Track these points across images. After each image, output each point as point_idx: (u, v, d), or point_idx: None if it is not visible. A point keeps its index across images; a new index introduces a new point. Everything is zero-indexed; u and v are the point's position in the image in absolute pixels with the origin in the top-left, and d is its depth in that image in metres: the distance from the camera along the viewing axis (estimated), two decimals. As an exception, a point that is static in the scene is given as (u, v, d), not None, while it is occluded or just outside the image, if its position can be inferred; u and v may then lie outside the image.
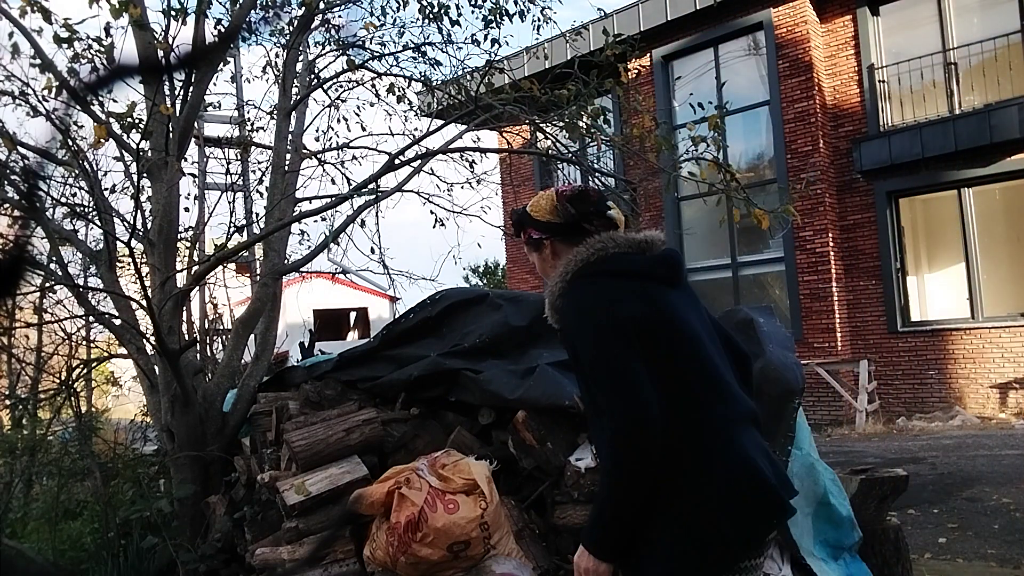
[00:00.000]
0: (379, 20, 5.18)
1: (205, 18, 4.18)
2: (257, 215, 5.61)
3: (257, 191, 5.93)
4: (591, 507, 1.72)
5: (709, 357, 1.64)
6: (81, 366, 4.81)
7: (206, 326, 5.64)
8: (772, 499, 1.54)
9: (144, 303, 3.49)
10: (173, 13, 4.06)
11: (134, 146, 3.94)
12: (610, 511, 1.53)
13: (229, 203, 5.46)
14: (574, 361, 1.71)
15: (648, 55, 11.56)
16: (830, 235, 10.33)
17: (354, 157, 5.85)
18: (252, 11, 4.24)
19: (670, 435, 1.51)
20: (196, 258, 4.99)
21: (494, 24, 5.03)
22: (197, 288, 5.13)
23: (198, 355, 4.97)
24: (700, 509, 1.51)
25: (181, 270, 4.43)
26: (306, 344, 5.70)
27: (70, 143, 3.83)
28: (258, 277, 5.10)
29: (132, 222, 3.54)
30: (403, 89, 5.55)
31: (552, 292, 1.73)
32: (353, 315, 25.86)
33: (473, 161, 5.64)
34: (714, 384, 1.61)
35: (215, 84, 4.99)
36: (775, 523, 1.59)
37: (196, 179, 5.77)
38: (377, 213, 5.35)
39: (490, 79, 5.03)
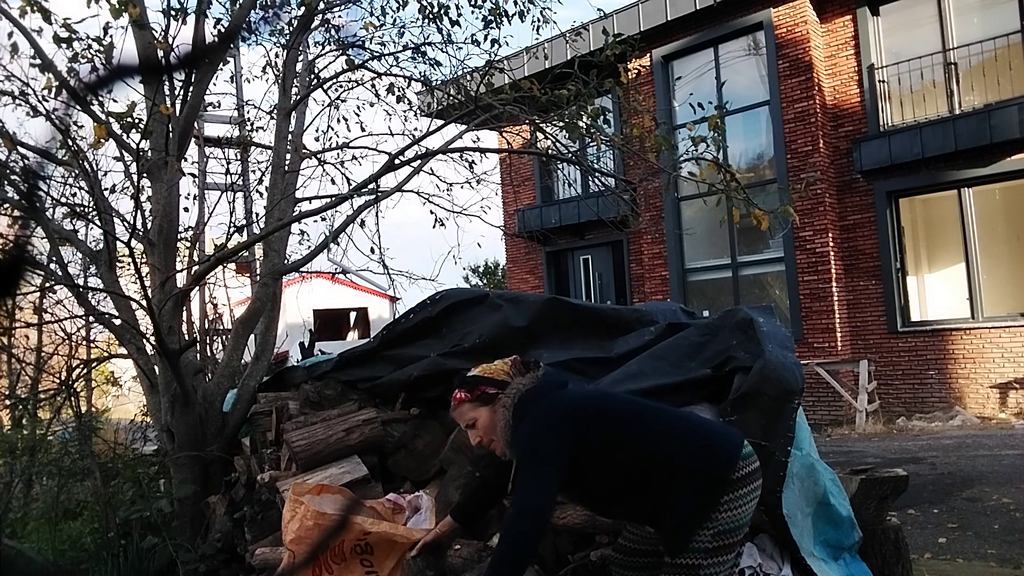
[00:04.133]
0: (379, 20, 5.19)
1: (205, 18, 4.17)
2: (257, 215, 5.62)
3: (257, 191, 5.93)
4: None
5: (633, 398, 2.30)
6: (81, 366, 4.81)
7: (206, 326, 5.64)
8: (722, 441, 2.08)
9: (144, 303, 3.49)
10: (173, 13, 4.06)
11: (134, 146, 3.94)
12: (506, 570, 1.90)
13: (229, 203, 5.47)
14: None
15: (648, 55, 11.56)
16: (830, 235, 10.33)
17: (354, 157, 5.85)
18: (252, 11, 4.23)
19: (658, 450, 2.05)
20: (196, 258, 4.99)
21: (494, 24, 5.03)
22: (197, 288, 5.13)
23: (198, 355, 4.97)
24: (690, 475, 2.03)
25: (181, 270, 4.43)
26: (306, 344, 5.70)
27: (70, 143, 3.83)
28: (258, 277, 5.10)
29: (132, 222, 3.54)
30: (403, 89, 5.55)
31: (505, 424, 2.10)
32: (353, 315, 25.85)
33: (473, 161, 5.64)
34: (645, 404, 2.20)
35: (215, 84, 5.00)
36: (735, 450, 2.06)
37: (196, 179, 5.77)
38: (377, 213, 5.35)
39: (490, 79, 5.03)
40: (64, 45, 3.99)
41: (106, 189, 4.51)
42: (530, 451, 2.00)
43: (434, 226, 5.63)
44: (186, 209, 4.97)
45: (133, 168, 4.11)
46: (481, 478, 2.59)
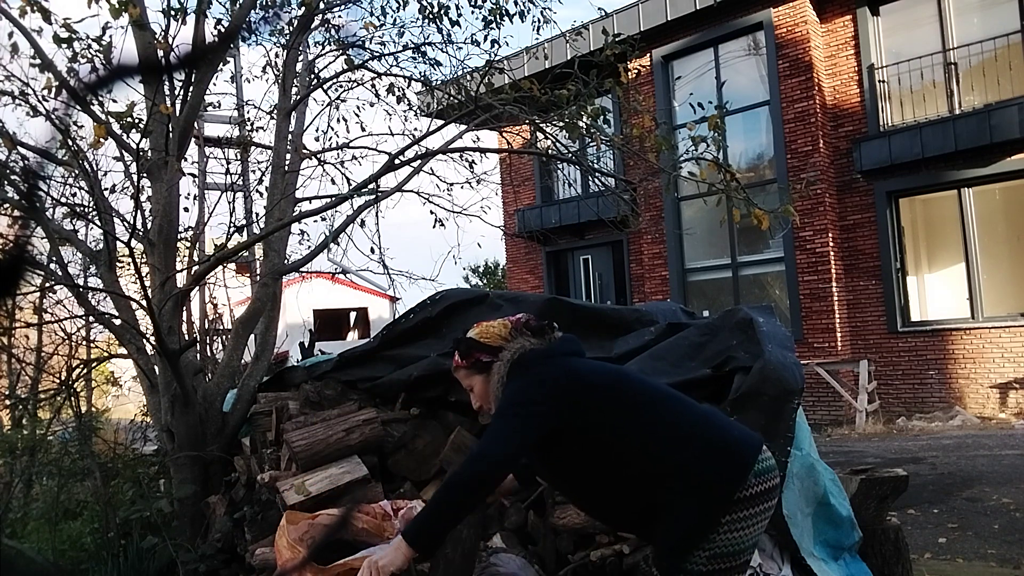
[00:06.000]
0: (379, 20, 5.19)
1: (205, 18, 4.18)
2: (257, 215, 5.62)
3: (257, 191, 5.93)
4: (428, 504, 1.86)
5: (644, 381, 2.03)
6: (81, 366, 4.81)
7: (206, 326, 5.64)
8: (738, 453, 1.85)
9: (144, 303, 3.49)
10: (173, 13, 4.06)
11: (134, 146, 3.94)
12: (445, 511, 1.77)
13: (229, 203, 5.47)
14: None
15: (648, 55, 11.56)
16: (830, 235, 10.33)
17: (354, 157, 5.85)
18: (252, 11, 4.24)
19: (657, 441, 1.84)
20: (196, 258, 4.99)
21: (494, 24, 5.03)
22: (197, 288, 5.13)
23: (198, 355, 4.97)
24: (694, 488, 1.81)
25: (181, 270, 4.43)
26: (306, 344, 5.70)
27: (70, 143, 3.83)
28: (258, 277, 5.10)
29: (132, 222, 3.54)
30: (403, 89, 5.56)
31: (499, 380, 1.95)
32: (353, 315, 25.86)
33: (473, 161, 5.64)
34: (664, 395, 1.96)
35: (215, 84, 5.00)
36: (747, 466, 1.83)
37: (196, 179, 5.77)
38: (377, 213, 5.35)
39: (490, 79, 5.03)
40: (64, 45, 3.99)
41: (106, 189, 4.51)
42: (510, 402, 1.85)
43: (434, 226, 5.63)
44: (186, 209, 4.97)
45: (133, 168, 4.11)
46: None
